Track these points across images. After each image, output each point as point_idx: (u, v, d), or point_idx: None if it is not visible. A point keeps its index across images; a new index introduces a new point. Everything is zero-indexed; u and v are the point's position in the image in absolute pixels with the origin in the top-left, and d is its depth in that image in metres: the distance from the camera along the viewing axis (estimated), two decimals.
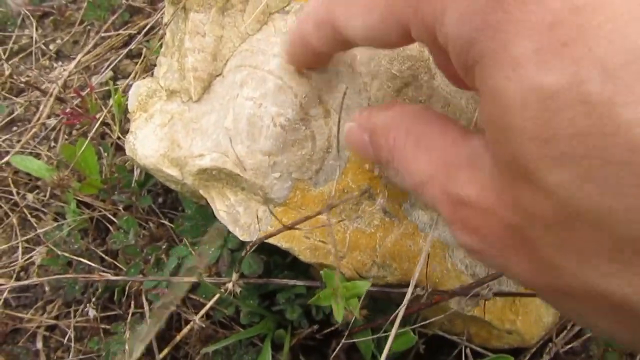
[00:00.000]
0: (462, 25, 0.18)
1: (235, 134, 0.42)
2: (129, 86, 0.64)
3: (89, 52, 0.69)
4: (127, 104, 0.53)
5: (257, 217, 0.42)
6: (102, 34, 0.71)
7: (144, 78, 0.51)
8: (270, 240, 0.41)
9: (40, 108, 0.65)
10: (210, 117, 0.45)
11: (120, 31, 0.72)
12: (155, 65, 0.67)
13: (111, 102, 0.67)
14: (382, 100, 0.42)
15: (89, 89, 0.62)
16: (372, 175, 0.41)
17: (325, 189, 0.42)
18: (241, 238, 0.42)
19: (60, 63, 0.78)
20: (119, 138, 0.61)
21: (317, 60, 0.36)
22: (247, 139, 0.41)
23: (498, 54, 0.17)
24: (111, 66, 0.70)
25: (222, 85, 0.46)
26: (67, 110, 0.60)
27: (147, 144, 0.46)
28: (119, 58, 0.69)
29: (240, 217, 0.43)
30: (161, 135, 0.46)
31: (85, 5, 0.74)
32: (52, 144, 0.68)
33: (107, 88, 0.66)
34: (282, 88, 0.42)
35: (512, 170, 0.18)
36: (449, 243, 0.42)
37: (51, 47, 0.79)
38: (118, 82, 0.73)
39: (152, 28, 0.75)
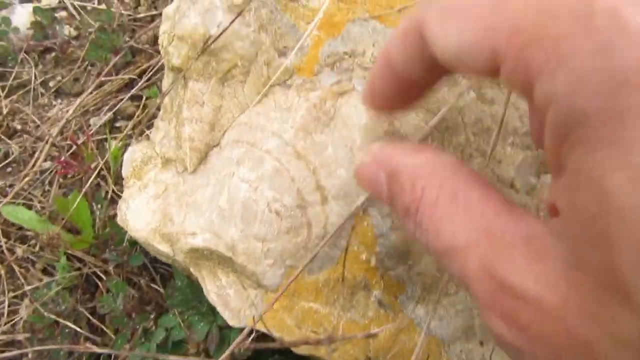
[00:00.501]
0: (576, 95, 0.16)
1: (230, 215, 0.41)
2: (127, 137, 0.63)
3: (89, 94, 0.68)
4: (122, 160, 0.52)
5: (251, 302, 0.40)
6: (103, 78, 0.70)
7: (139, 140, 0.50)
8: (261, 328, 0.40)
9: (36, 154, 0.64)
10: (205, 191, 0.44)
11: (121, 75, 0.71)
12: (153, 115, 0.67)
13: (107, 149, 0.66)
14: None
15: (85, 137, 0.61)
16: (368, 266, 0.40)
17: (320, 276, 0.40)
18: (230, 323, 0.41)
19: (59, 101, 0.77)
20: (113, 190, 0.60)
21: (399, 91, 0.27)
22: (241, 222, 0.40)
23: (619, 150, 0.15)
24: (111, 111, 0.69)
25: (219, 158, 0.45)
26: (62, 159, 0.59)
27: (139, 217, 0.44)
28: (118, 105, 0.68)
29: (230, 300, 0.41)
30: (154, 208, 0.45)
31: (88, 46, 0.73)
32: (47, 187, 0.67)
33: (104, 136, 0.66)
34: (279, 171, 0.41)
35: (601, 280, 0.16)
36: (445, 339, 0.40)
37: (51, 84, 0.78)
38: (117, 124, 0.72)
39: (153, 72, 0.74)
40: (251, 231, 0.40)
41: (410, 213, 0.23)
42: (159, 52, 0.75)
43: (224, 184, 0.42)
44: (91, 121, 0.72)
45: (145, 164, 0.48)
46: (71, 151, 0.64)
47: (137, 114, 0.67)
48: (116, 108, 0.67)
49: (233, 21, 0.41)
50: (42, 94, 0.78)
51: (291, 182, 0.40)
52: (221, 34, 0.41)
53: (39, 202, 0.65)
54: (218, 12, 0.44)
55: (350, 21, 0.46)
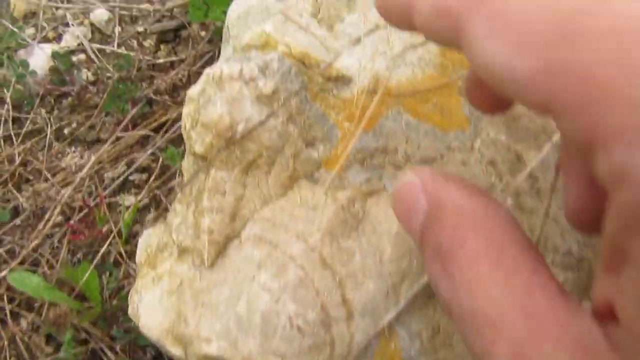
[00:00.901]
0: None
1: (248, 325, 0.38)
2: (140, 204, 0.61)
3: (103, 153, 0.66)
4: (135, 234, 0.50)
5: None
6: (119, 134, 0.68)
7: (155, 223, 0.48)
8: None
9: (47, 215, 0.62)
10: (222, 290, 0.41)
11: (137, 131, 0.70)
12: (168, 177, 0.64)
13: (120, 211, 0.64)
14: (414, 304, 0.38)
15: (98, 198, 0.59)
16: None
17: None
18: None
19: (73, 148, 0.76)
20: (122, 256, 0.58)
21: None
22: (260, 334, 0.38)
23: None
24: (127, 167, 0.67)
25: (239, 254, 0.42)
26: (72, 222, 0.57)
27: (152, 314, 0.42)
28: (133, 165, 0.66)
29: None
30: (167, 306, 0.42)
31: (105, 97, 0.72)
32: (56, 244, 0.65)
33: (116, 197, 0.63)
34: (303, 281, 0.38)
35: None
36: None
37: (66, 131, 0.76)
38: (132, 177, 0.70)
39: (170, 125, 0.72)
40: (270, 346, 0.37)
41: (442, 255, 0.20)
42: (176, 103, 0.73)
43: (243, 288, 0.40)
44: (105, 176, 0.71)
45: (161, 251, 0.45)
46: (83, 213, 0.62)
47: (151, 176, 0.65)
48: (132, 169, 0.65)
49: (263, 122, 0.39)
50: (57, 141, 0.76)
51: (315, 296, 0.38)
52: (249, 131, 0.39)
53: (47, 262, 0.62)
54: (246, 103, 0.42)
55: (383, 115, 0.44)
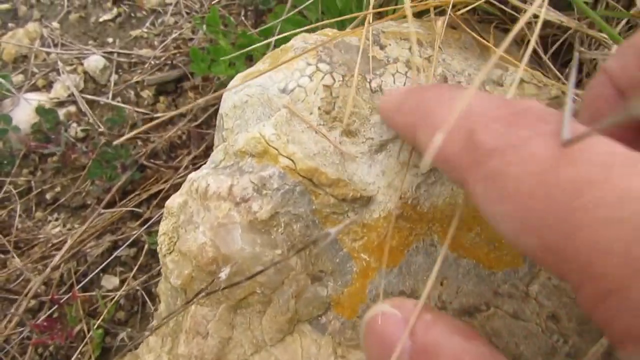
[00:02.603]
0: None
1: None
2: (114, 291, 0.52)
3: (84, 231, 0.57)
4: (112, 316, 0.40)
5: None
6: (102, 210, 0.59)
7: (128, 354, 0.39)
8: None
9: (12, 309, 0.54)
10: None
11: (122, 206, 0.61)
12: (155, 250, 0.56)
13: (97, 297, 0.55)
14: None
15: (71, 295, 0.50)
16: None
17: None
18: None
19: (55, 215, 0.67)
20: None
21: None
22: None
23: None
24: (109, 251, 0.59)
25: None
26: (39, 321, 0.48)
27: None
28: (116, 250, 0.57)
29: None
30: None
31: (91, 163, 0.63)
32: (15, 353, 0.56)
33: (94, 276, 0.55)
34: None
35: None
36: None
37: (49, 195, 0.68)
38: (118, 252, 0.62)
39: (159, 200, 0.63)
40: None
41: None
42: (171, 168, 0.64)
43: None
44: (88, 253, 0.62)
45: None
46: (53, 309, 0.53)
47: (135, 264, 0.55)
48: (112, 256, 0.56)
49: (259, 273, 0.29)
50: (38, 206, 0.68)
51: None
52: (238, 282, 0.30)
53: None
54: (235, 231, 0.33)
55: (412, 247, 0.34)
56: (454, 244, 0.34)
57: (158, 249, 0.36)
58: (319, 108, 0.36)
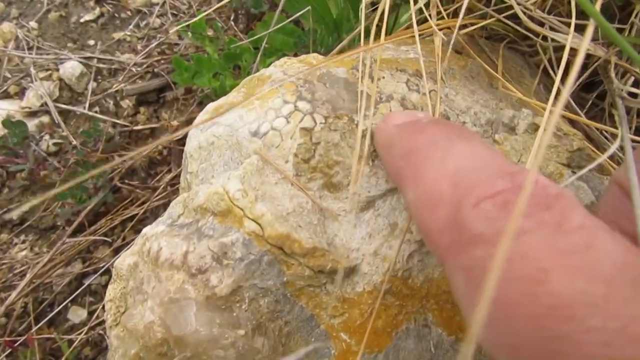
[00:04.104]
0: None
1: None
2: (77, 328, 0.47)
3: (51, 259, 0.52)
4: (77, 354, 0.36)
5: None
6: (66, 239, 0.54)
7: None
8: None
9: None
10: None
11: (90, 236, 0.55)
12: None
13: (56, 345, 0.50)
14: None
15: (27, 338, 0.45)
16: None
17: None
18: None
19: (22, 237, 0.62)
20: None
21: None
22: None
23: None
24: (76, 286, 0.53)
25: None
26: None
27: None
28: (83, 284, 0.52)
29: None
30: None
31: (58, 184, 0.58)
32: None
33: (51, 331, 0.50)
34: None
35: None
36: None
37: (15, 215, 0.63)
38: (88, 281, 0.57)
39: (136, 224, 0.58)
40: None
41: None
42: (148, 189, 0.59)
43: None
44: (54, 282, 0.57)
45: None
46: (6, 353, 0.48)
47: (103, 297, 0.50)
48: (83, 286, 0.51)
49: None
50: (4, 227, 0.62)
51: None
52: None
53: None
54: (189, 309, 0.27)
55: (402, 329, 0.28)
56: (450, 324, 0.29)
57: (104, 317, 0.31)
58: (297, 155, 0.30)
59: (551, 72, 0.42)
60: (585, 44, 0.16)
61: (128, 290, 0.30)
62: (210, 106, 0.36)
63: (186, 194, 0.31)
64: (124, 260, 0.31)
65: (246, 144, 0.31)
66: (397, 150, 0.24)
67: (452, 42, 0.37)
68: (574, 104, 0.37)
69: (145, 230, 0.31)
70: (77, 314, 0.56)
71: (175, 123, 0.60)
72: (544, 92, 0.44)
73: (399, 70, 0.34)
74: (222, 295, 0.27)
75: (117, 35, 0.79)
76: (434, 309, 0.29)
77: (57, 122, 0.68)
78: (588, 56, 0.42)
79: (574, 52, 0.43)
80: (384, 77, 0.34)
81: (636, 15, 0.40)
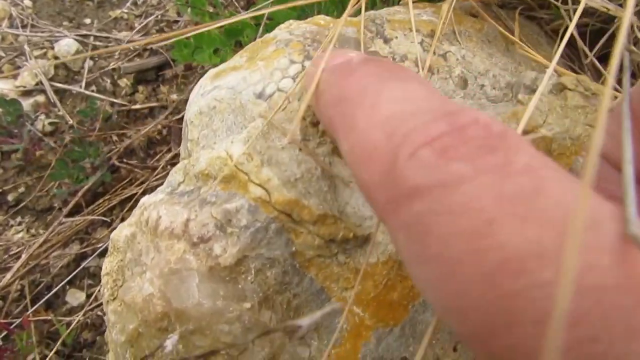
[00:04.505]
0: None
1: None
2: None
3: (47, 240, 0.50)
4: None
5: None
6: (63, 219, 0.52)
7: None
8: None
9: None
10: None
11: (88, 216, 0.54)
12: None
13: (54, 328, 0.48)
14: None
15: (23, 320, 0.43)
16: None
17: None
18: None
19: (18, 219, 0.60)
20: None
21: None
22: None
23: None
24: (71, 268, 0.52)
25: None
26: None
27: None
28: (80, 265, 0.50)
29: None
30: None
31: (55, 163, 0.56)
32: None
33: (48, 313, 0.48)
34: None
35: None
36: None
37: (10, 197, 0.61)
38: (86, 263, 0.55)
39: (135, 202, 0.56)
40: None
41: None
42: (147, 169, 0.57)
43: None
44: (52, 264, 0.55)
45: None
46: (3, 335, 0.46)
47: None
48: (79, 267, 0.50)
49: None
50: None
51: None
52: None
53: None
54: (191, 280, 0.25)
55: (418, 301, 0.26)
56: None
57: (101, 292, 0.29)
58: (304, 119, 0.28)
59: (576, 36, 0.40)
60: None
61: (125, 262, 0.28)
62: (212, 71, 0.34)
63: (186, 160, 0.29)
64: (121, 232, 0.29)
65: (250, 106, 0.29)
66: (327, 98, 0.21)
67: (464, 7, 0.34)
68: (599, 66, 0.35)
69: (143, 199, 0.29)
70: (75, 297, 0.55)
71: (175, 97, 0.58)
72: (564, 59, 0.42)
73: (412, 30, 0.32)
74: (227, 265, 0.25)
75: (114, 13, 0.77)
76: None
77: (52, 101, 0.66)
78: (609, 20, 0.40)
79: (590, 12, 0.41)
80: (397, 37, 0.32)
81: None
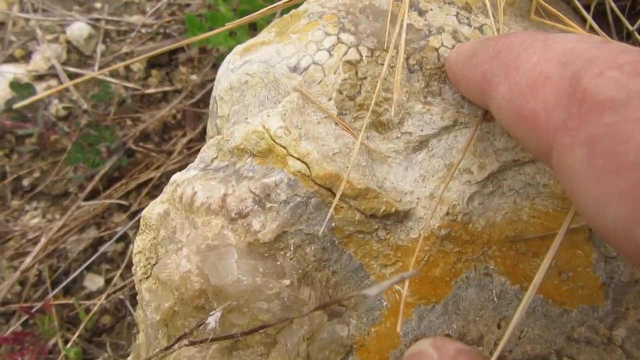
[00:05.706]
0: None
1: None
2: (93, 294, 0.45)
3: (64, 225, 0.50)
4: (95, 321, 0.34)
5: None
6: (81, 202, 0.52)
7: None
8: None
9: None
10: None
11: (105, 200, 0.53)
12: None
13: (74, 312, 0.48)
14: None
15: (44, 304, 0.43)
16: None
17: None
18: None
19: (34, 204, 0.60)
20: None
21: None
22: None
23: None
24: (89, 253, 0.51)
25: None
26: (7, 334, 0.41)
27: None
28: (99, 250, 0.50)
29: None
30: None
31: (71, 147, 0.55)
32: None
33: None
34: None
35: None
36: None
37: (26, 182, 0.60)
38: (102, 248, 0.54)
39: (153, 188, 0.56)
40: None
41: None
42: (163, 153, 0.56)
43: None
44: (69, 249, 0.55)
45: None
46: (24, 319, 0.46)
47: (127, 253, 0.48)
48: (97, 252, 0.49)
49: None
50: (14, 194, 0.60)
51: None
52: (231, 336, 0.22)
53: None
54: (229, 256, 0.25)
55: (461, 278, 0.26)
56: (514, 272, 0.26)
57: (133, 270, 0.28)
58: (341, 92, 0.27)
59: (615, 8, 0.39)
60: None
61: (159, 240, 0.27)
62: (239, 47, 0.33)
63: (219, 136, 0.28)
64: (153, 209, 0.28)
65: (284, 80, 0.28)
66: (481, 56, 0.22)
67: None
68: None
69: (174, 176, 0.29)
70: (93, 281, 0.54)
71: (194, 77, 0.57)
72: (595, 33, 0.41)
73: (447, 3, 0.31)
74: (266, 241, 0.25)
75: None
76: (496, 256, 0.26)
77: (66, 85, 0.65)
78: None
79: None
80: (431, 10, 0.31)
81: None
